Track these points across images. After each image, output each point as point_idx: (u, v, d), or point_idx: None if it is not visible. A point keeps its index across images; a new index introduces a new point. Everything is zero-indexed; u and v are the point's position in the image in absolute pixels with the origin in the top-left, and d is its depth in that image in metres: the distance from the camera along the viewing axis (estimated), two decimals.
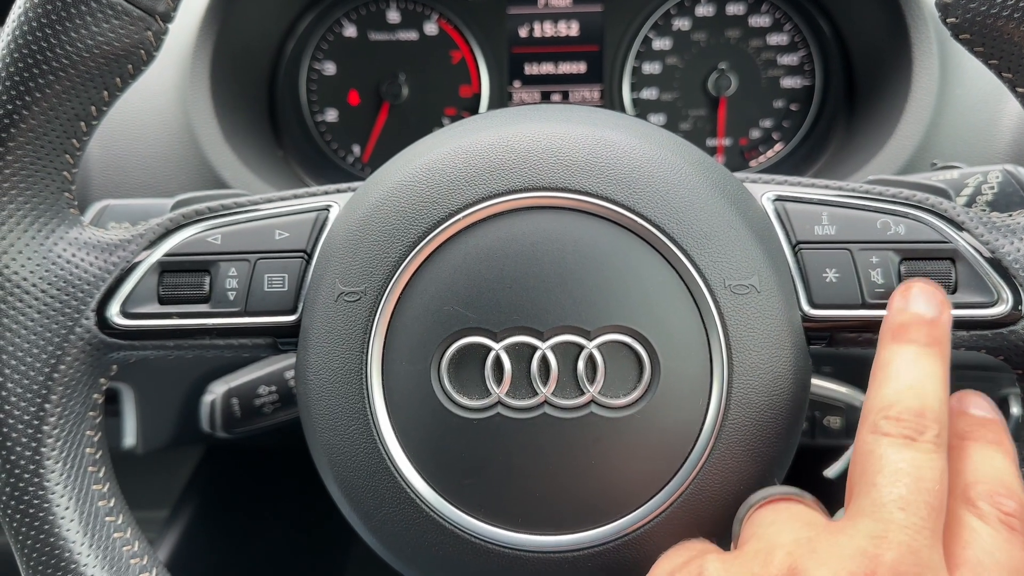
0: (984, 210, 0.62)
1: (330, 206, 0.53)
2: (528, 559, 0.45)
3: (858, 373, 0.81)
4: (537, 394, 0.45)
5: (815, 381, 0.80)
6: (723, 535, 0.46)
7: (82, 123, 0.49)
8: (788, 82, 0.96)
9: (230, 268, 0.50)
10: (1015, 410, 0.81)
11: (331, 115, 1.00)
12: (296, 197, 0.54)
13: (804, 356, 0.48)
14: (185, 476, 1.24)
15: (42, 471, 0.48)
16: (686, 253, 0.45)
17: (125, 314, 0.49)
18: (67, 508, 0.49)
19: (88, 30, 0.45)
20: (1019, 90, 0.47)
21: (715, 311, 0.45)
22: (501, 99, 0.99)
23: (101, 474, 0.51)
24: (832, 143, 0.91)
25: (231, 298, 0.50)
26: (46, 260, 0.49)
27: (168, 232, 0.51)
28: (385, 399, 0.46)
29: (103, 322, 0.49)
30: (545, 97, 0.99)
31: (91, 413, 0.51)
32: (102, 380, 0.51)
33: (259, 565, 1.27)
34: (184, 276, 0.50)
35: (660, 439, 0.45)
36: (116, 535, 0.50)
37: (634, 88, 0.97)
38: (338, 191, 0.54)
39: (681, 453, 0.45)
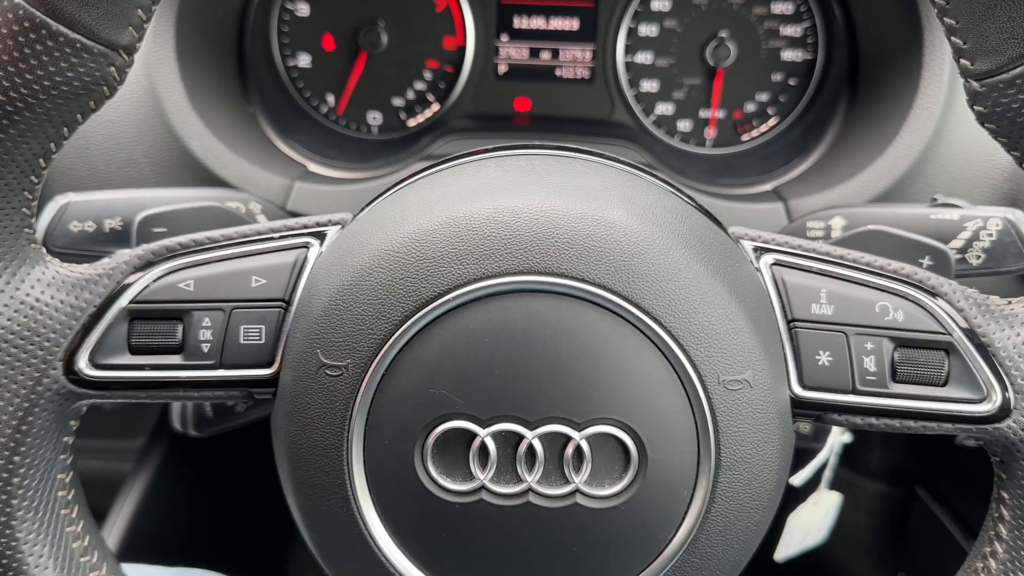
0: (979, 257, 0.62)
1: (308, 244, 0.50)
2: None
3: None
4: (522, 481, 0.44)
5: None
6: None
7: (41, 160, 0.45)
8: (789, 55, 0.91)
9: (204, 318, 0.48)
10: None
11: (303, 60, 0.93)
12: (273, 232, 0.51)
13: (789, 442, 0.47)
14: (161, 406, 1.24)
15: (14, 523, 0.47)
16: (683, 348, 0.44)
17: (95, 365, 0.47)
18: (41, 556, 0.48)
19: (45, 70, 0.41)
20: None
21: (707, 408, 0.44)
22: (487, 54, 0.93)
23: (74, 514, 0.50)
24: (830, 130, 0.88)
25: (205, 350, 0.48)
26: (8, 307, 0.46)
27: (137, 270, 0.48)
28: (367, 477, 0.45)
29: (72, 372, 0.47)
30: (534, 54, 0.93)
31: (62, 456, 0.49)
32: (72, 423, 0.50)
33: (235, 491, 1.30)
34: (156, 324, 0.48)
35: (643, 529, 0.45)
36: (92, 575, 0.50)
37: (628, 51, 0.92)
38: (317, 224, 0.51)
39: (661, 543, 0.45)
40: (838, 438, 0.75)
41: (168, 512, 1.09)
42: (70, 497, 0.50)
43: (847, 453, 1.21)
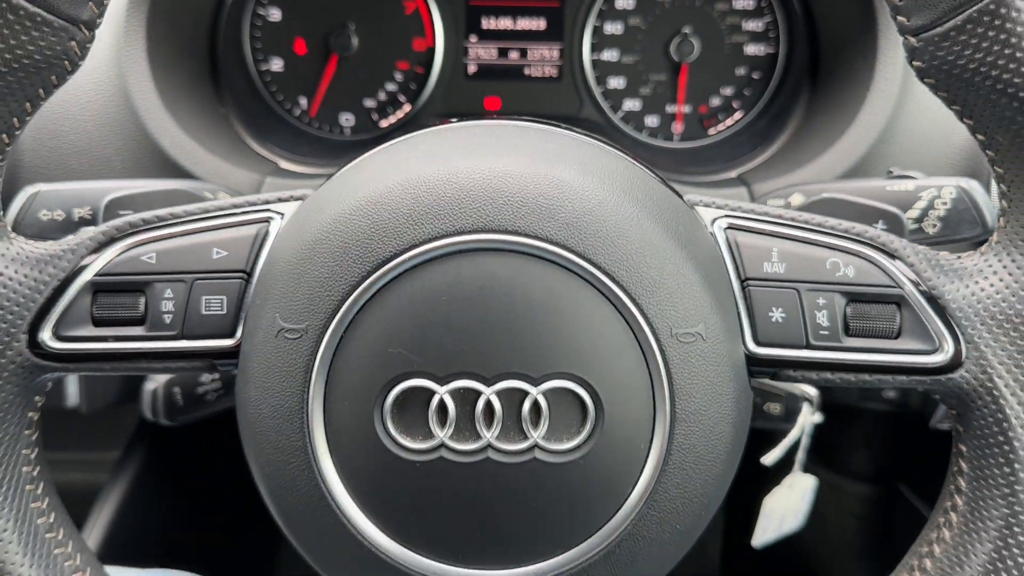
0: (935, 225, 0.63)
1: (270, 218, 0.51)
2: None
3: None
4: (481, 438, 0.45)
5: None
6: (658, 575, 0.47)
7: (3, 135, 0.45)
8: (752, 49, 0.93)
9: (166, 289, 0.48)
10: None
11: (276, 64, 0.95)
12: (235, 207, 0.51)
13: (746, 397, 0.48)
14: (136, 418, 1.23)
15: None
16: (635, 302, 0.44)
17: (58, 337, 0.48)
18: (5, 531, 0.48)
19: (5, 43, 0.42)
20: (978, 136, 0.46)
21: (661, 360, 0.45)
22: (456, 54, 0.94)
23: (40, 491, 0.50)
24: (793, 118, 0.90)
25: (167, 321, 0.48)
26: None
27: (100, 246, 0.49)
28: (327, 438, 0.45)
29: (35, 344, 0.47)
30: (502, 54, 0.95)
31: (27, 432, 0.49)
32: (37, 398, 0.50)
33: (217, 492, 1.29)
34: (118, 296, 0.48)
35: (602, 483, 0.45)
36: (57, 551, 0.50)
37: (595, 48, 0.94)
38: (279, 200, 0.52)
39: (621, 496, 0.45)
40: (809, 418, 0.76)
41: (148, 514, 1.08)
42: (35, 473, 0.50)
43: (828, 454, 1.20)
